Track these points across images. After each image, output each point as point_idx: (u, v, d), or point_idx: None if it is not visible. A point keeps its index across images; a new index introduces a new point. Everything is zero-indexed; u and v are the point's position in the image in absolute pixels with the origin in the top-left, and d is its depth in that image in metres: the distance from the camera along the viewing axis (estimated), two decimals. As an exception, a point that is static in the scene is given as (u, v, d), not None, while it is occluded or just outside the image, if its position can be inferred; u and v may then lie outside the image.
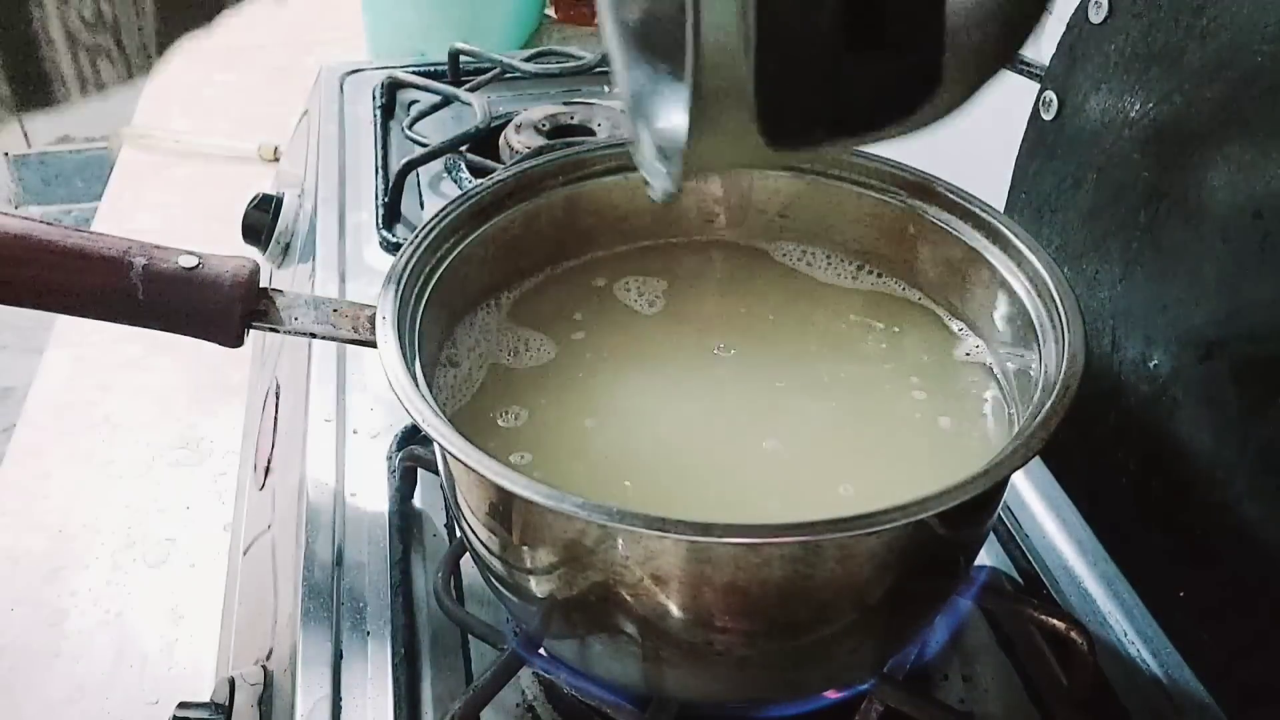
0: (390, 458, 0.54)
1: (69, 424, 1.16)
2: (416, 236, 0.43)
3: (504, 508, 0.36)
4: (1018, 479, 0.54)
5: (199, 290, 0.42)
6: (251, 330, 0.44)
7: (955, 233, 0.45)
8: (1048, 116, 0.57)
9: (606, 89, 0.91)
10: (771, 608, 0.35)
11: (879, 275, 0.49)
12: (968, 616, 0.47)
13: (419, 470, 0.53)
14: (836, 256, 0.50)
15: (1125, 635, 0.47)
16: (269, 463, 0.64)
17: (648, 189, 0.31)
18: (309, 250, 0.73)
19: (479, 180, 0.47)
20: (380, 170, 0.78)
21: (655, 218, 0.50)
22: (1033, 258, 0.42)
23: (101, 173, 1.49)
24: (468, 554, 0.43)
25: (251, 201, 0.81)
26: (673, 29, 0.27)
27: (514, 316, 0.47)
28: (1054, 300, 0.40)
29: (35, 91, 0.20)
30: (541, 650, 0.42)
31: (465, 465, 0.33)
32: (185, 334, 0.44)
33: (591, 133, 0.78)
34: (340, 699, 0.44)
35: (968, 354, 0.46)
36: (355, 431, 0.57)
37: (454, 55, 0.89)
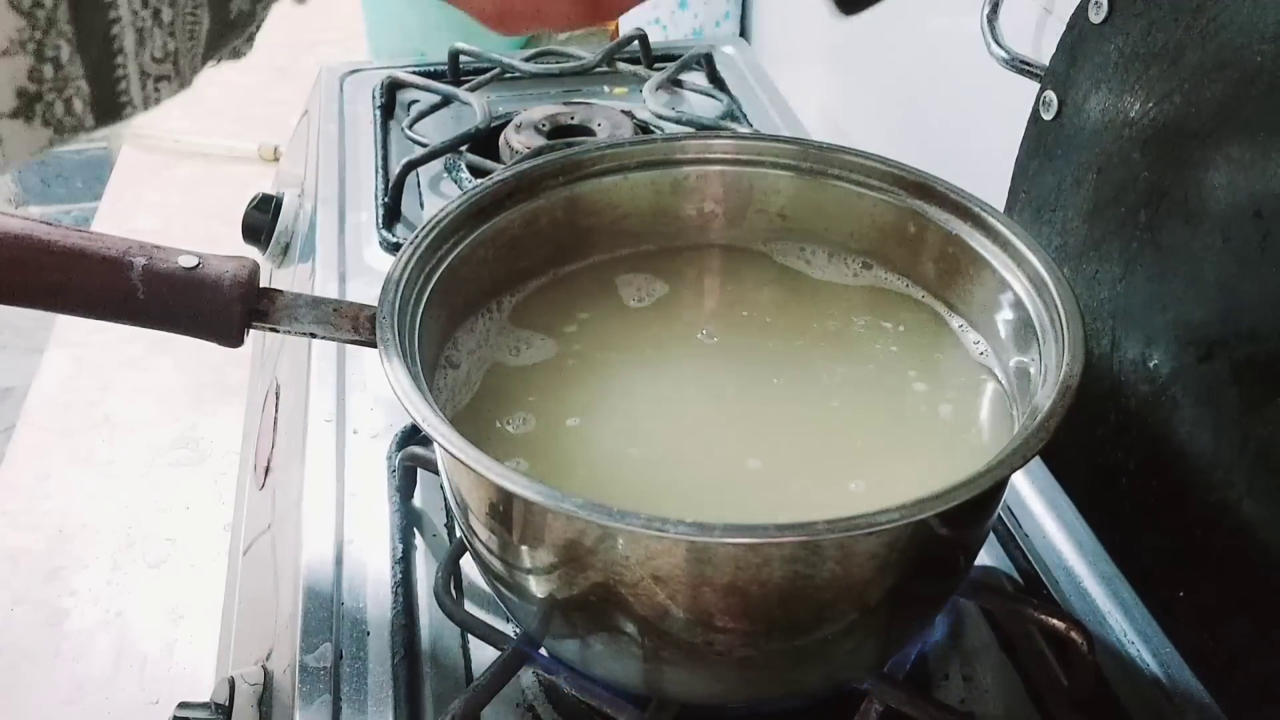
0: (390, 458, 0.54)
1: (69, 424, 1.16)
2: (416, 236, 0.43)
3: (504, 508, 0.36)
4: (1018, 479, 0.54)
5: (199, 290, 0.42)
6: (251, 330, 0.44)
7: (955, 232, 0.45)
8: (1048, 116, 0.57)
9: (606, 89, 0.92)
10: (771, 608, 0.35)
11: (879, 274, 0.49)
12: (968, 616, 0.47)
13: (419, 470, 0.53)
14: (837, 256, 0.50)
15: (1125, 635, 0.47)
16: (269, 463, 0.64)
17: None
18: (309, 250, 0.73)
19: (479, 180, 0.47)
20: (380, 170, 0.78)
21: (655, 218, 0.50)
22: (1033, 258, 0.42)
23: (101, 173, 1.49)
24: (468, 554, 0.43)
25: (251, 201, 0.81)
26: None
27: (514, 317, 0.47)
28: (1054, 300, 0.40)
29: (108, 115, 0.21)
30: (541, 650, 0.42)
31: (465, 465, 0.33)
32: (185, 334, 0.44)
33: (591, 133, 0.78)
34: (340, 699, 0.44)
35: (968, 353, 0.46)
36: (355, 431, 0.57)
37: (454, 55, 0.89)
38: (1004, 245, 0.43)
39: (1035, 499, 0.53)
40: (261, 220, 0.80)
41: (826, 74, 0.94)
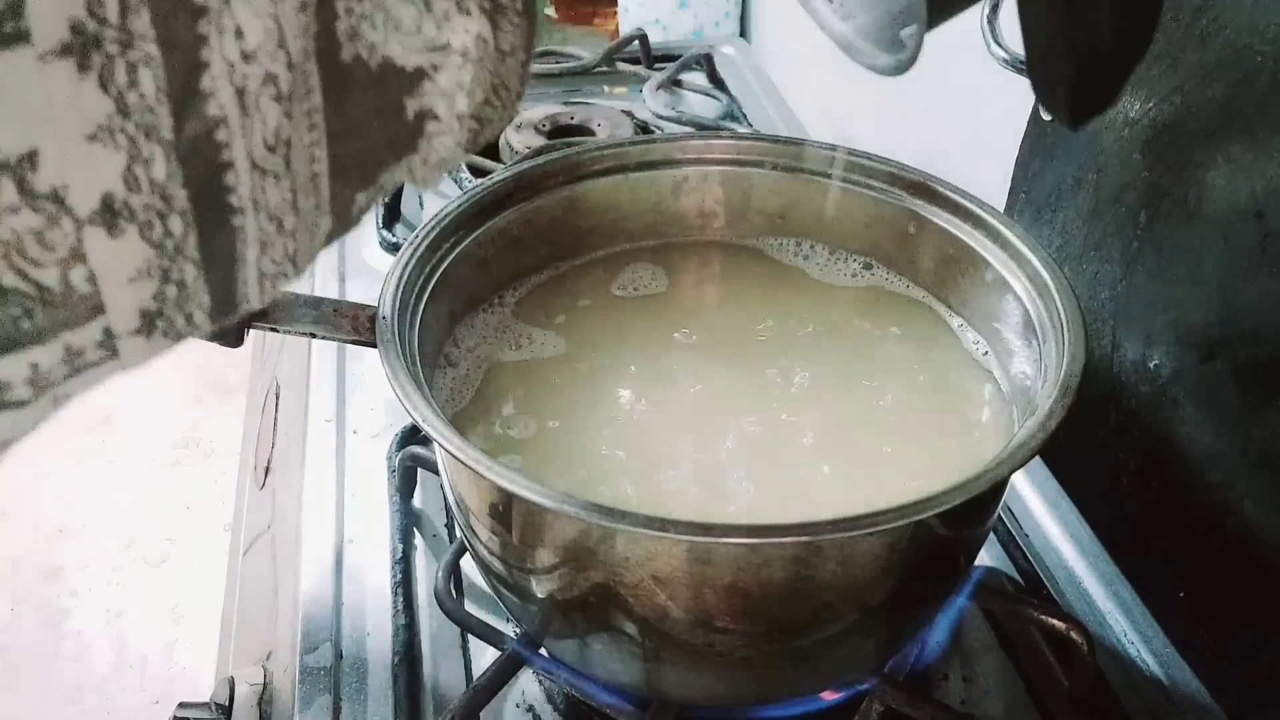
0: (390, 458, 0.54)
1: (69, 424, 1.16)
2: (416, 236, 0.43)
3: (504, 508, 0.36)
4: (1018, 479, 0.54)
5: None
6: (251, 330, 0.44)
7: (955, 232, 0.45)
8: (1048, 116, 0.57)
9: (606, 89, 0.92)
10: (772, 608, 0.35)
11: (879, 274, 0.49)
12: (968, 616, 0.47)
13: (419, 470, 0.53)
14: (837, 256, 0.50)
15: (1125, 635, 0.47)
16: (269, 463, 0.64)
17: (879, 68, 0.32)
18: (309, 250, 0.73)
19: (479, 180, 0.47)
20: (380, 170, 0.78)
21: (655, 218, 0.50)
22: (1033, 258, 0.42)
23: (101, 173, 1.49)
24: (468, 554, 0.43)
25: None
26: None
27: (514, 316, 0.47)
28: (1054, 300, 0.40)
29: (224, 316, 0.22)
30: (541, 650, 0.42)
31: (465, 465, 0.33)
32: (185, 334, 0.44)
33: (591, 133, 0.78)
34: (340, 699, 0.44)
35: (968, 353, 0.46)
36: (355, 431, 0.57)
37: (454, 55, 0.89)
38: (1004, 245, 0.43)
39: (1035, 499, 0.53)
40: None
41: (826, 74, 0.94)
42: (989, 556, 0.50)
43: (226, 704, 0.46)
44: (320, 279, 0.69)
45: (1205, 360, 0.48)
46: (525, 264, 0.48)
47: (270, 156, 0.20)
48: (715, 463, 0.41)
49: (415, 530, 0.51)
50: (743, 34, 1.12)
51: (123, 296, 0.19)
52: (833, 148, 0.48)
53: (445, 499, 0.49)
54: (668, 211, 0.50)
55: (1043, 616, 0.44)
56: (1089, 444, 0.55)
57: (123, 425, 1.28)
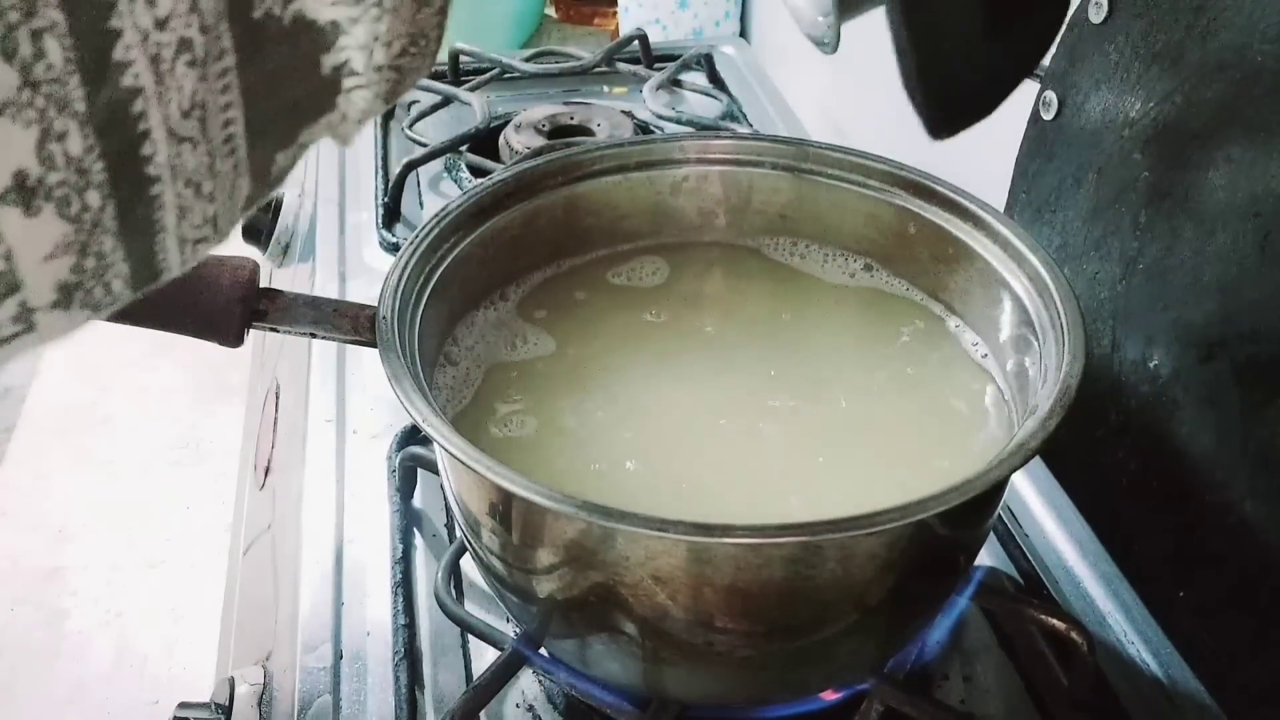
0: (390, 458, 0.54)
1: (69, 424, 1.16)
2: (416, 236, 0.43)
3: (504, 508, 0.36)
4: (1018, 479, 0.54)
5: (199, 290, 0.42)
6: (251, 330, 0.44)
7: (955, 232, 0.45)
8: (1048, 116, 0.57)
9: (606, 89, 0.92)
10: (772, 608, 0.35)
11: (879, 274, 0.49)
12: (968, 616, 0.47)
13: (419, 470, 0.53)
14: (836, 256, 0.50)
15: (1125, 635, 0.47)
16: (269, 463, 0.64)
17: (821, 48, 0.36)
18: (309, 250, 0.73)
19: (479, 180, 0.47)
20: (380, 170, 0.78)
21: (655, 218, 0.50)
22: (1033, 258, 0.42)
23: (101, 173, 1.49)
24: (468, 554, 0.43)
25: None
26: None
27: (514, 316, 0.47)
28: (1054, 300, 0.40)
29: (146, 283, 0.21)
30: (541, 650, 0.42)
31: (465, 465, 0.33)
32: (185, 334, 0.44)
33: (591, 133, 0.78)
34: (340, 699, 0.44)
35: (967, 353, 0.46)
36: (355, 431, 0.57)
37: (454, 55, 0.89)
38: (1004, 245, 0.43)
39: (1035, 499, 0.53)
40: (262, 220, 0.80)
41: (826, 74, 0.94)
42: (989, 556, 0.50)
43: (226, 704, 0.46)
44: (320, 279, 0.69)
45: (1205, 360, 0.48)
46: (525, 264, 0.48)
47: (186, 122, 0.20)
48: (716, 462, 0.41)
49: (415, 530, 0.51)
50: (743, 34, 1.12)
51: (40, 273, 0.18)
52: (832, 147, 0.48)
53: (445, 499, 0.49)
54: (668, 211, 0.50)
55: (1043, 616, 0.44)
56: (1089, 444, 0.55)
57: (123, 425, 1.27)
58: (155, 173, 0.20)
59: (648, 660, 0.37)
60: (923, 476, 0.39)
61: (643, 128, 0.81)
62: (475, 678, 0.43)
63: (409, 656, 0.45)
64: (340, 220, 0.74)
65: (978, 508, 0.37)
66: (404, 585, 0.48)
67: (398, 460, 0.52)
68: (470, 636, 0.46)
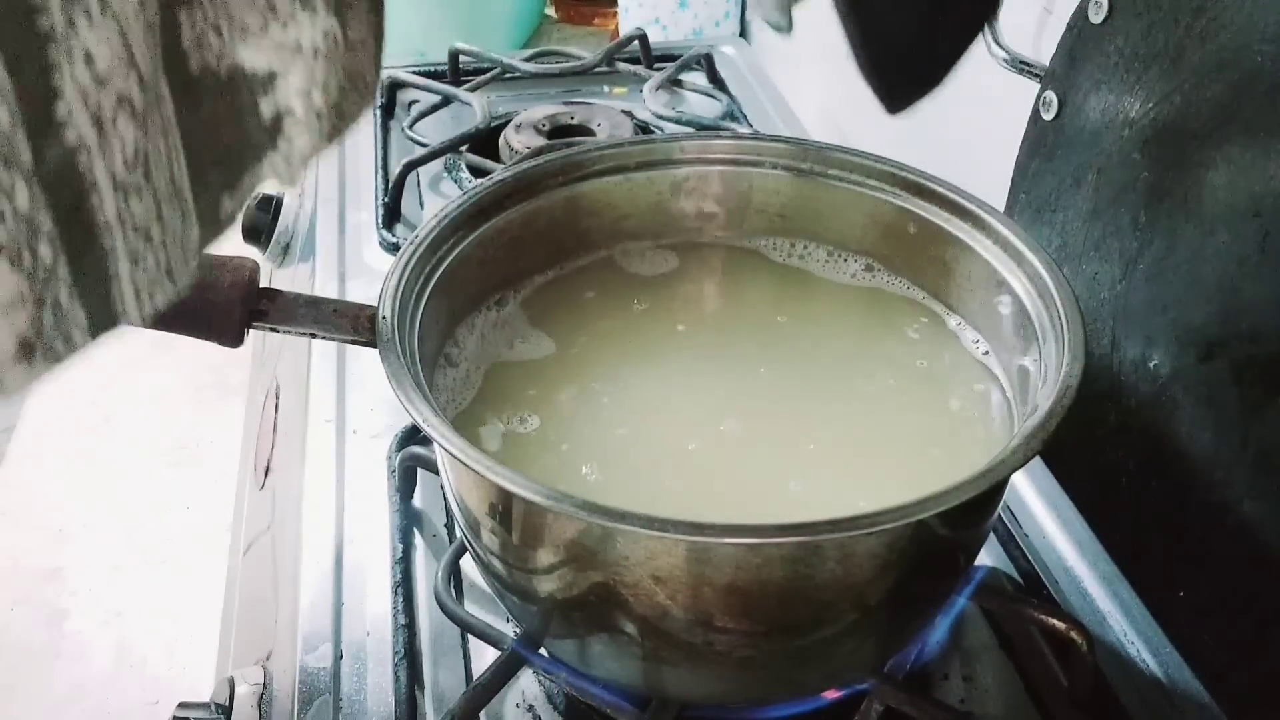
0: (390, 458, 0.54)
1: (69, 424, 1.16)
2: (416, 236, 0.43)
3: (504, 508, 0.36)
4: (1018, 479, 0.54)
5: (199, 290, 0.42)
6: (251, 330, 0.44)
7: (955, 232, 0.45)
8: (1048, 116, 0.57)
9: (606, 89, 0.92)
10: (771, 608, 0.35)
11: (879, 274, 0.49)
12: (968, 616, 0.47)
13: (419, 470, 0.53)
14: (836, 256, 0.50)
15: (1125, 635, 0.47)
16: (269, 463, 0.64)
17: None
18: (309, 250, 0.73)
19: (479, 180, 0.47)
20: (380, 170, 0.78)
21: (655, 218, 0.50)
22: (1033, 258, 0.42)
23: (101, 173, 1.49)
24: (468, 554, 0.43)
25: (251, 201, 0.81)
26: None
27: (514, 316, 0.47)
28: (1054, 300, 0.40)
29: (103, 330, 0.22)
30: (541, 650, 0.42)
31: (465, 465, 0.33)
32: (185, 334, 0.44)
33: (591, 133, 0.78)
34: (340, 699, 0.44)
35: (967, 353, 0.46)
36: (355, 431, 0.57)
37: (454, 55, 0.89)
38: (1004, 245, 0.43)
39: (1035, 499, 0.53)
40: (262, 220, 0.80)
41: (826, 74, 0.94)
42: (989, 556, 0.50)
43: (226, 704, 0.46)
44: (320, 279, 0.69)
45: (1204, 360, 0.48)
46: (525, 264, 0.48)
47: (130, 174, 0.20)
48: (715, 462, 0.41)
49: (415, 530, 0.51)
50: (743, 34, 1.12)
51: (0, 328, 0.19)
52: (832, 147, 0.48)
53: (445, 499, 0.49)
54: (668, 211, 0.50)
55: (1043, 616, 0.44)
56: (1089, 444, 0.55)
57: (123, 425, 1.27)
58: (104, 222, 0.20)
59: (647, 660, 0.37)
60: (923, 476, 0.39)
61: (643, 128, 0.81)
62: (475, 678, 0.43)
63: (409, 656, 0.45)
64: (340, 220, 0.74)
65: (978, 508, 0.37)
66: (404, 585, 0.48)
67: (398, 460, 0.52)
68: (470, 636, 0.46)
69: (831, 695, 0.41)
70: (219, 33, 0.22)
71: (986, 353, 0.45)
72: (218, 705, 0.46)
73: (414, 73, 0.89)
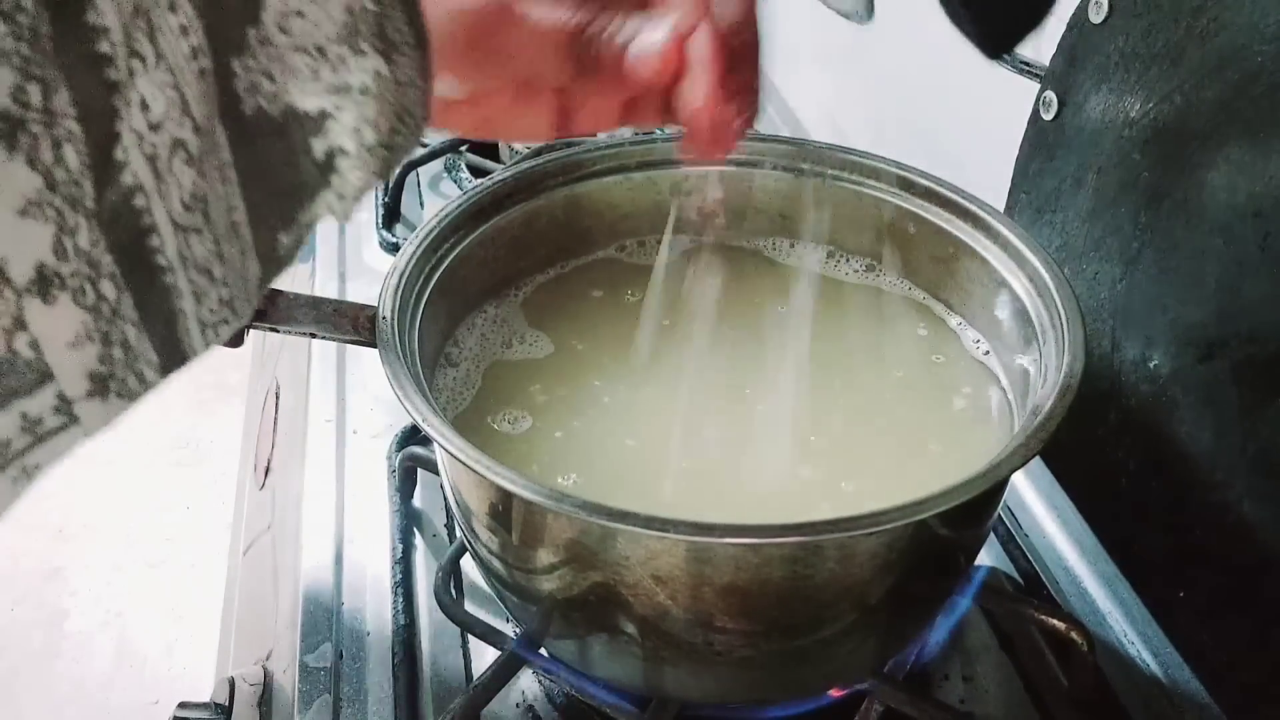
0: (390, 458, 0.54)
1: (69, 424, 1.15)
2: (416, 236, 0.43)
3: (504, 508, 0.36)
4: (1018, 479, 0.54)
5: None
6: (251, 330, 0.44)
7: (955, 232, 0.45)
8: (1048, 116, 0.57)
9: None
10: (771, 608, 0.35)
11: (879, 274, 0.49)
12: (968, 616, 0.47)
13: (419, 470, 0.53)
14: (837, 256, 0.50)
15: (1125, 635, 0.47)
16: (269, 463, 0.64)
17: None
18: (309, 250, 0.73)
19: (479, 180, 0.47)
20: (380, 170, 0.78)
21: (655, 218, 0.50)
22: (1033, 257, 0.42)
23: (101, 173, 1.49)
24: (468, 554, 0.43)
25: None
26: None
27: (514, 316, 0.47)
28: (1054, 300, 0.40)
29: (174, 368, 0.23)
30: (541, 650, 0.42)
31: (465, 465, 0.33)
32: (185, 334, 0.44)
33: (591, 133, 0.78)
34: (340, 699, 0.44)
35: (968, 353, 0.46)
36: (355, 431, 0.57)
37: (454, 55, 0.89)
38: (1004, 245, 0.43)
39: (1035, 499, 0.53)
40: (261, 220, 0.80)
41: (827, 74, 0.94)
42: (989, 556, 0.50)
43: (226, 704, 0.47)
44: (320, 279, 0.69)
45: (1204, 360, 0.48)
46: (525, 264, 0.48)
47: (189, 215, 0.21)
48: (714, 461, 0.41)
49: (415, 530, 0.51)
50: (743, 34, 1.12)
51: (68, 361, 0.20)
52: (832, 147, 0.48)
53: (445, 499, 0.49)
54: (668, 211, 0.50)
55: (1043, 616, 0.44)
56: (1089, 444, 0.55)
57: (123, 425, 1.27)
58: (165, 263, 0.21)
59: (647, 660, 0.37)
60: (923, 475, 0.39)
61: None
62: (475, 678, 0.43)
63: (409, 656, 0.45)
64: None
65: (978, 508, 0.37)
66: (404, 585, 0.48)
67: (398, 460, 0.52)
68: (470, 636, 0.46)
69: (831, 695, 0.41)
70: (271, 78, 0.23)
71: (987, 352, 0.45)
72: (218, 705, 0.46)
73: (414, 73, 0.89)
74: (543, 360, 0.45)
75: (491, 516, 0.37)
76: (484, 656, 0.45)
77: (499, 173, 0.47)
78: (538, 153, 0.67)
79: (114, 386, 0.21)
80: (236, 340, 0.44)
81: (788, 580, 0.34)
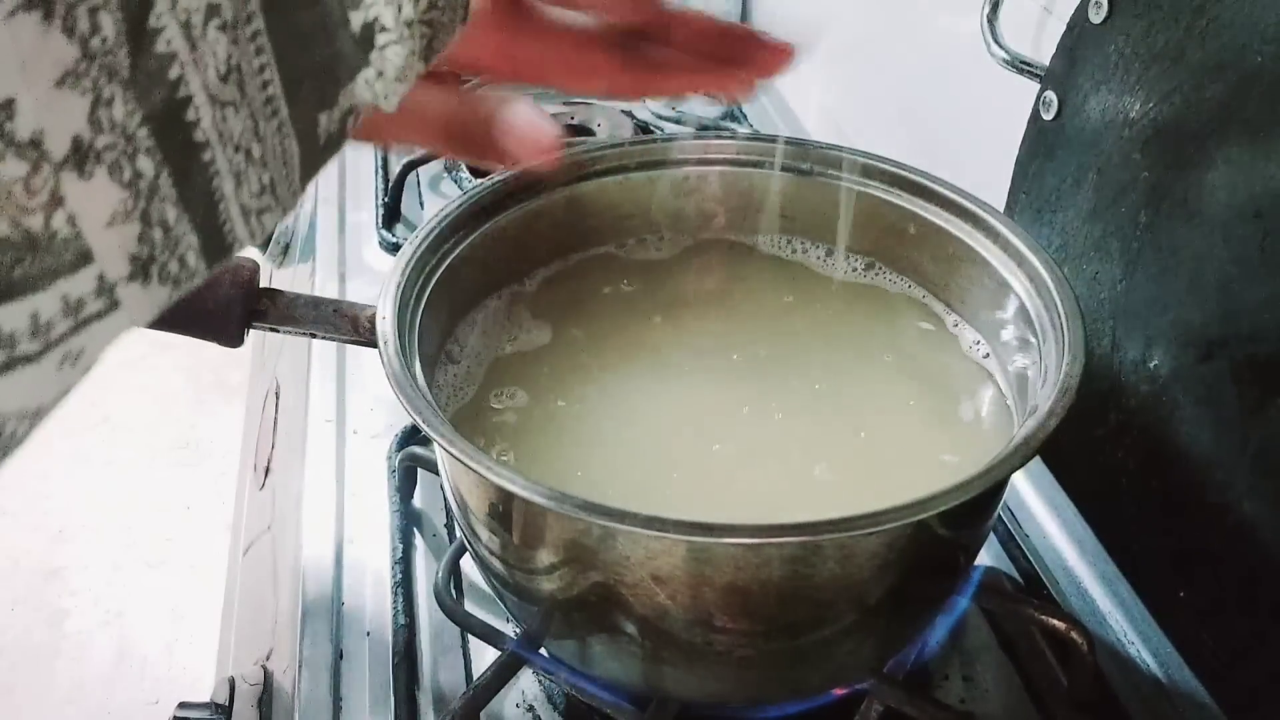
0: (390, 458, 0.54)
1: (69, 424, 1.15)
2: (417, 236, 0.43)
3: (504, 508, 0.36)
4: (1018, 479, 0.54)
5: (199, 290, 0.42)
6: (251, 330, 0.44)
7: (955, 232, 0.45)
8: (1048, 116, 0.57)
9: (606, 89, 0.91)
10: (771, 608, 0.35)
11: (879, 274, 0.49)
12: (968, 616, 0.47)
13: (419, 470, 0.53)
14: (837, 255, 0.50)
15: (1125, 635, 0.47)
16: (269, 463, 0.64)
17: None
18: (309, 250, 0.73)
19: (479, 180, 0.47)
20: (380, 170, 0.78)
21: (655, 218, 0.50)
22: (1033, 257, 0.42)
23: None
24: (468, 554, 0.43)
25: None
26: None
27: (515, 315, 0.47)
28: (1054, 300, 0.40)
29: (219, 257, 0.22)
30: (541, 650, 0.42)
31: (465, 465, 0.33)
32: (185, 334, 0.44)
33: (591, 133, 0.78)
34: (340, 699, 0.44)
35: (968, 353, 0.46)
36: (355, 431, 0.57)
37: (454, 55, 0.89)
38: (1004, 245, 0.43)
39: (1035, 499, 0.53)
40: (262, 220, 0.80)
41: (826, 74, 0.94)
42: (989, 556, 0.50)
43: (226, 704, 0.47)
44: (320, 279, 0.69)
45: (1204, 360, 0.48)
46: (525, 263, 0.48)
47: (224, 86, 0.21)
48: (714, 460, 0.41)
49: (415, 530, 0.52)
50: (743, 34, 1.12)
51: (107, 240, 0.19)
52: (833, 147, 0.48)
53: (445, 499, 0.49)
54: (668, 212, 0.50)
55: (1043, 616, 0.44)
56: (1089, 444, 0.55)
57: (123, 425, 1.27)
58: (202, 138, 0.20)
59: (647, 660, 0.37)
60: (922, 475, 0.39)
61: (643, 128, 0.81)
62: (475, 678, 0.43)
63: (409, 656, 0.45)
64: (340, 220, 0.74)
65: (978, 508, 0.37)
66: (404, 585, 0.48)
67: (398, 460, 0.52)
68: (470, 636, 0.46)
69: (831, 695, 0.41)
70: None
71: (986, 354, 0.45)
72: (218, 705, 0.46)
73: (414, 73, 0.89)
74: (543, 359, 0.45)
75: (491, 516, 0.37)
76: (484, 656, 0.45)
77: (499, 173, 0.47)
78: (538, 153, 0.67)
79: (155, 270, 0.20)
80: (236, 340, 0.44)
81: (788, 580, 0.34)
